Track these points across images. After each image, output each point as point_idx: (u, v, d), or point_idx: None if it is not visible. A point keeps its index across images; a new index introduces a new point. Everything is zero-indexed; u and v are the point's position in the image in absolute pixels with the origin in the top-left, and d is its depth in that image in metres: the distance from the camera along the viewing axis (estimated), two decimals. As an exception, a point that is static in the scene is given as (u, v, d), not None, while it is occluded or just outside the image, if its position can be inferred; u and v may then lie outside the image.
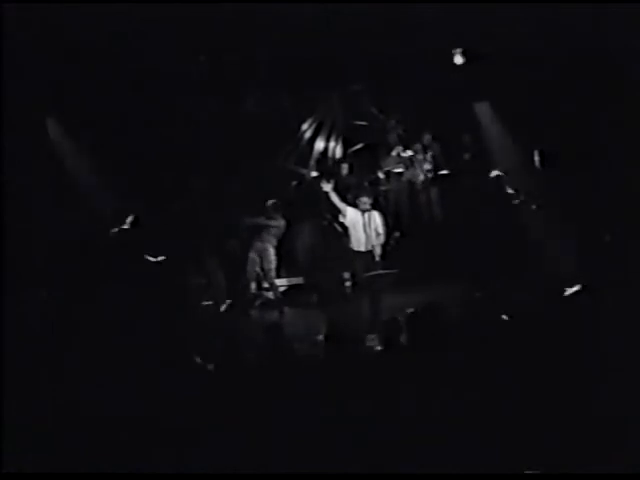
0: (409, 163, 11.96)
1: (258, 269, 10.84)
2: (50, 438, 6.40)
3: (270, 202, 10.79)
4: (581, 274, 9.67)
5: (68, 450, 6.25)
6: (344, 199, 10.53)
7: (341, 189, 11.27)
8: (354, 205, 10.24)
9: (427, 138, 11.90)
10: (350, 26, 9.56)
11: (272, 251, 10.76)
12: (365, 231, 10.09)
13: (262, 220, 10.74)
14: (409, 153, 11.89)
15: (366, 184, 11.76)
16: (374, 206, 10.31)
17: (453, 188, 11.68)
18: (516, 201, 10.94)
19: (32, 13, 8.64)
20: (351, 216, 10.14)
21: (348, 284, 11.01)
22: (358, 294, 10.45)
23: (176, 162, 11.03)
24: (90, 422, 6.57)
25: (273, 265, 10.81)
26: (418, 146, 11.93)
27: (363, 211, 10.06)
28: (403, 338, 8.31)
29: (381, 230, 10.20)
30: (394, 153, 11.93)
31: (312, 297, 10.98)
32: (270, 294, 10.92)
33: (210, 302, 10.76)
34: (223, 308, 10.69)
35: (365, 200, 10.13)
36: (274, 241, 10.78)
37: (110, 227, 10.35)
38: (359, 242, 10.12)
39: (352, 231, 10.16)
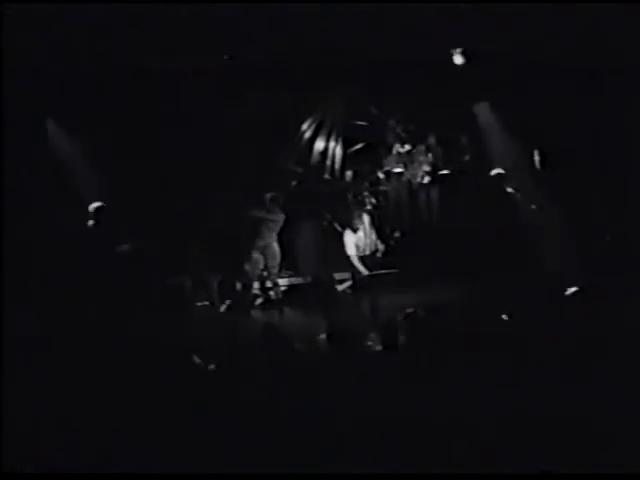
0: (409, 162, 11.97)
1: (262, 268, 10.83)
2: (50, 438, 6.40)
3: (269, 195, 10.75)
4: (581, 274, 9.68)
5: (68, 450, 6.25)
6: (343, 199, 10.61)
7: (341, 189, 11.32)
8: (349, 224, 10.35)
9: (431, 139, 11.91)
10: (350, 26, 9.56)
11: (275, 246, 10.74)
12: (365, 233, 10.21)
13: (263, 213, 10.70)
14: (407, 147, 11.90)
15: (366, 184, 11.78)
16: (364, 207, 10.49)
17: (453, 188, 11.69)
18: (516, 195, 10.94)
19: (32, 13, 8.64)
20: (352, 241, 10.25)
21: (347, 284, 11.02)
22: (358, 294, 10.46)
23: (175, 162, 11.04)
24: (90, 422, 6.58)
25: (277, 261, 10.79)
26: (421, 147, 11.94)
27: (355, 230, 10.21)
28: (402, 338, 8.31)
29: (375, 235, 10.36)
30: (394, 151, 11.95)
31: (312, 297, 10.99)
32: (271, 294, 10.92)
33: (205, 302, 10.77)
34: (222, 309, 10.71)
35: (357, 222, 10.29)
36: (275, 236, 10.77)
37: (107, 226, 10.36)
38: (361, 249, 10.25)
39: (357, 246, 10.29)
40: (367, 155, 12.16)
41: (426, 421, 6.33)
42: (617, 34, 9.60)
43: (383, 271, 10.23)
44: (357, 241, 10.35)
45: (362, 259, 10.31)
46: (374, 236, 10.45)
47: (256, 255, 10.73)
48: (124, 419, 6.59)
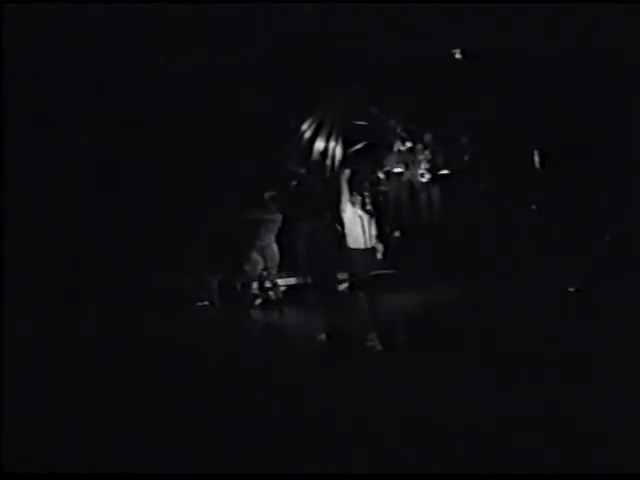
0: (409, 159, 11.96)
1: (261, 268, 10.82)
2: (50, 438, 6.40)
3: (267, 195, 10.73)
4: (581, 274, 9.68)
5: (68, 450, 6.25)
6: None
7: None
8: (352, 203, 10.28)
9: (428, 137, 11.91)
10: (350, 26, 9.57)
11: (274, 246, 10.73)
12: (363, 229, 10.17)
13: (260, 214, 10.68)
14: (408, 145, 11.89)
15: (366, 184, 11.77)
16: (364, 206, 10.45)
17: (453, 188, 11.68)
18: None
19: (32, 13, 8.65)
20: (349, 214, 10.18)
21: (347, 284, 11.01)
22: (358, 294, 10.45)
23: (175, 162, 11.04)
24: (90, 422, 6.58)
25: (277, 261, 10.79)
26: (418, 146, 11.95)
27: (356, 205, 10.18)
28: (402, 338, 8.31)
29: (374, 231, 10.31)
30: (395, 149, 11.95)
31: (312, 297, 10.98)
32: (271, 294, 10.91)
33: (205, 302, 10.76)
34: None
35: (358, 199, 10.26)
36: (273, 237, 10.77)
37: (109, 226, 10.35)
38: (357, 240, 10.18)
39: (350, 229, 10.20)
40: (367, 155, 12.16)
41: (426, 421, 6.33)
42: (617, 34, 9.60)
43: (383, 271, 10.21)
44: (351, 216, 10.28)
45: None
46: (374, 236, 10.42)
47: (255, 256, 10.73)
48: (124, 419, 6.59)
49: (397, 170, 12.20)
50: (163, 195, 10.82)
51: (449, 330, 8.27)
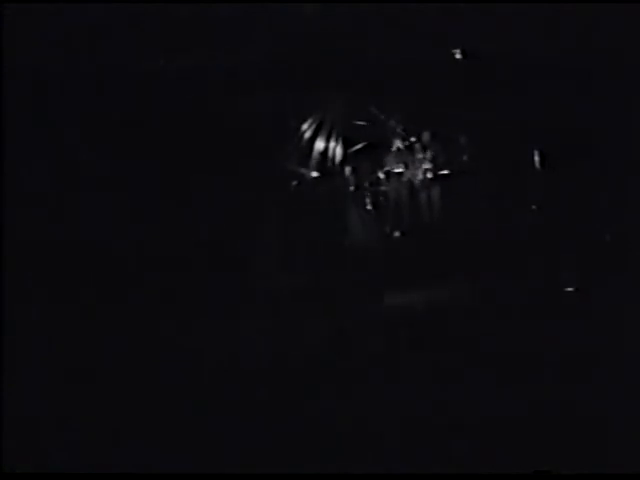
0: (409, 159, 11.96)
1: (264, 265, 10.82)
2: (50, 438, 6.40)
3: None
4: (581, 274, 9.68)
5: (68, 450, 6.24)
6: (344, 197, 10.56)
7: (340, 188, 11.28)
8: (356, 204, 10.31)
9: (426, 136, 11.91)
10: (350, 26, 9.58)
11: (275, 246, 10.73)
12: (363, 229, 10.19)
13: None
14: (408, 144, 11.89)
15: (366, 184, 11.77)
16: (364, 206, 10.45)
17: (453, 188, 11.68)
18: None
19: (32, 13, 8.66)
20: (350, 214, 10.21)
21: (350, 283, 11.01)
22: (358, 293, 10.45)
23: (175, 162, 11.04)
24: (90, 422, 6.57)
25: (275, 261, 10.80)
26: (418, 146, 11.94)
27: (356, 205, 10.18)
28: (402, 338, 8.32)
29: (374, 230, 10.32)
30: (394, 147, 11.95)
31: (312, 296, 10.97)
32: (272, 292, 10.90)
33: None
34: None
35: (358, 199, 10.27)
36: (274, 236, 10.76)
37: (110, 227, 10.35)
38: (357, 240, 10.20)
39: (350, 229, 10.22)
40: (367, 155, 12.16)
41: (426, 421, 6.33)
42: (617, 34, 9.61)
43: (383, 270, 10.21)
44: (352, 216, 10.31)
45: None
46: (374, 235, 10.45)
47: (258, 253, 10.72)
48: (124, 419, 6.60)
49: (397, 170, 12.20)
50: (163, 195, 10.82)
51: (449, 330, 8.28)
